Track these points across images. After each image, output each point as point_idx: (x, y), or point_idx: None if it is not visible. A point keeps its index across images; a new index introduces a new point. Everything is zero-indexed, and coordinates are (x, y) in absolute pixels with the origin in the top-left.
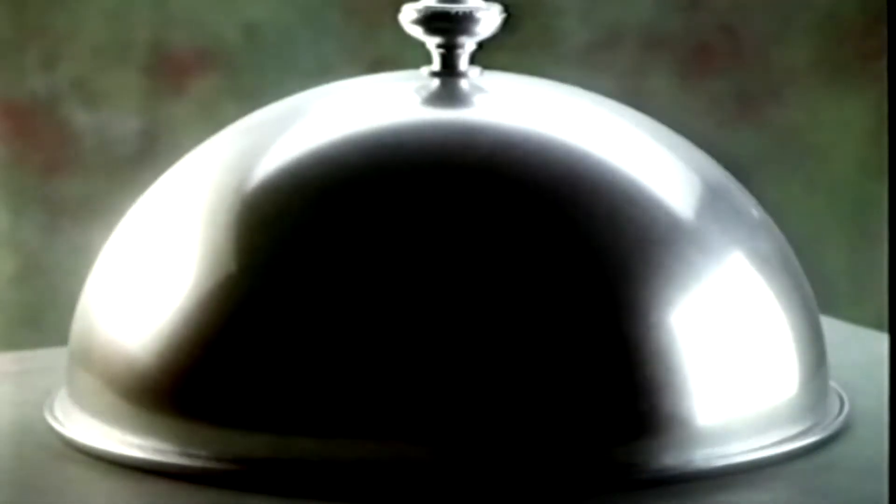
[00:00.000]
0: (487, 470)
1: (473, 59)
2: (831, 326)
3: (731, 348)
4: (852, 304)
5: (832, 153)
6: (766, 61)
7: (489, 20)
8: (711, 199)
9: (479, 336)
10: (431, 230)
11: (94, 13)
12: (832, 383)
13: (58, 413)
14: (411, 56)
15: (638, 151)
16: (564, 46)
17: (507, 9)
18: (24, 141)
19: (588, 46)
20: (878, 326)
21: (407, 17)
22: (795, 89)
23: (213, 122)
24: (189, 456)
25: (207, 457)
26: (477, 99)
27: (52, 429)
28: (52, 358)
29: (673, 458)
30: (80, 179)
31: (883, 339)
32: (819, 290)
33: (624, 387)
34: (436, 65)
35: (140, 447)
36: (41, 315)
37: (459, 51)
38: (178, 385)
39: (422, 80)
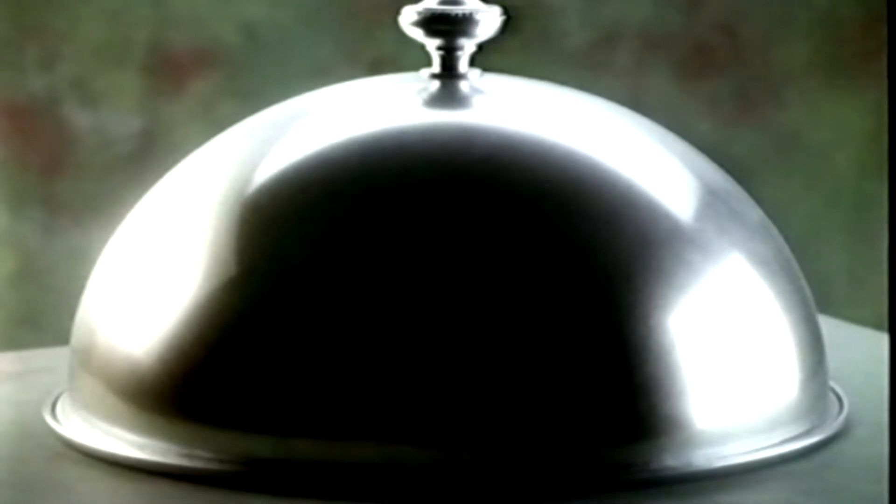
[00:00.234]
0: (488, 471)
1: (473, 61)
2: (831, 326)
3: (731, 349)
4: (852, 303)
5: (832, 153)
6: (766, 61)
7: (489, 22)
8: (710, 200)
9: (479, 338)
10: (432, 232)
11: (94, 13)
12: (832, 383)
13: (58, 413)
14: (411, 57)
15: (637, 153)
16: (564, 47)
17: (506, 10)
18: (23, 141)
19: (588, 47)
20: (877, 326)
21: (407, 19)
22: (795, 89)
23: (213, 122)
24: (190, 457)
25: (208, 457)
26: (477, 101)
27: (51, 429)
28: (52, 358)
29: (673, 459)
30: (80, 179)
31: (882, 339)
32: (818, 290)
33: (624, 388)
34: (436, 67)
35: (140, 447)
36: (40, 315)
37: (459, 53)
38: (179, 386)
39: (422, 82)
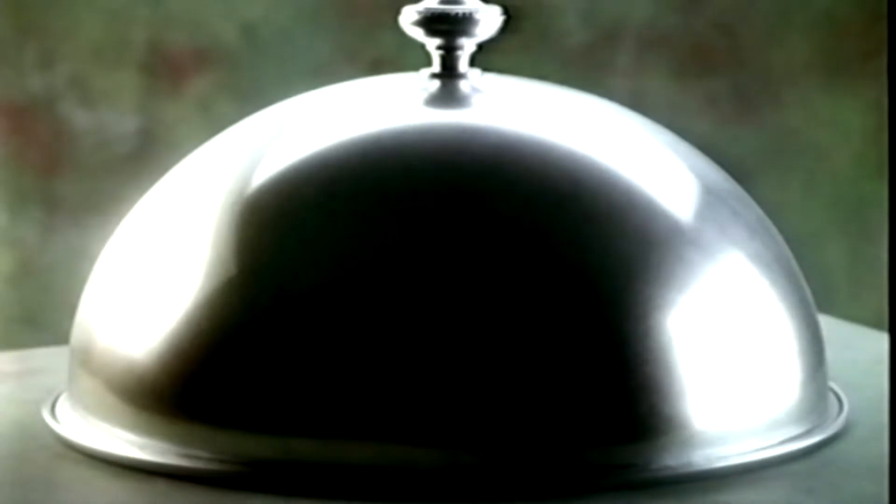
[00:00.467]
0: (487, 471)
1: (473, 61)
2: (831, 325)
3: (731, 349)
4: (851, 302)
5: (831, 152)
6: (765, 61)
7: (489, 22)
8: (710, 200)
9: (479, 339)
10: (432, 232)
11: (93, 13)
12: (831, 383)
13: (57, 413)
14: (411, 57)
15: (637, 153)
16: (564, 47)
17: (506, 10)
18: (22, 140)
19: (588, 46)
20: (877, 325)
21: (407, 19)
22: (794, 89)
23: (211, 121)
24: (189, 457)
25: (208, 457)
26: (477, 101)
27: (51, 429)
28: (51, 358)
29: (673, 459)
30: (78, 178)
31: (882, 338)
32: (818, 289)
33: (623, 388)
34: (436, 66)
35: (140, 447)
36: (39, 314)
37: (459, 52)
38: (178, 386)
39: (422, 82)
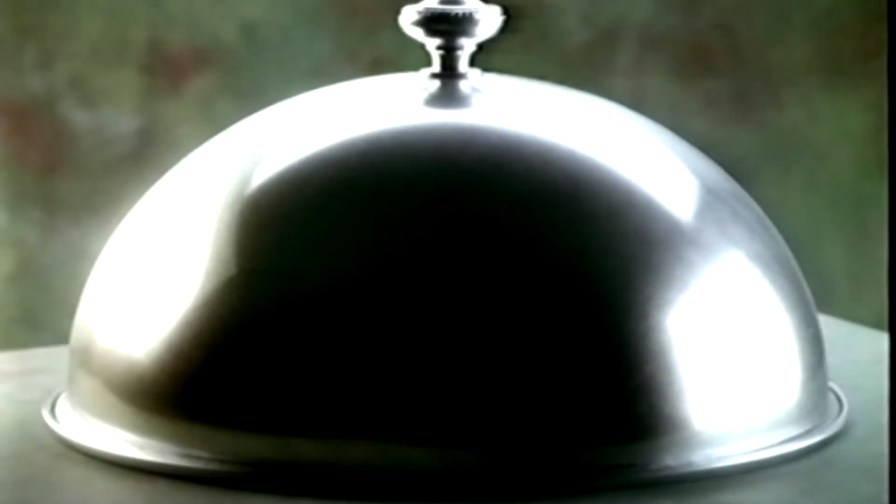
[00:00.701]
0: (488, 471)
1: (473, 61)
2: (830, 325)
3: (731, 349)
4: (851, 302)
5: (831, 152)
6: (765, 61)
7: (489, 21)
8: (710, 200)
9: (479, 339)
10: (432, 232)
11: (92, 12)
12: (831, 383)
13: (57, 413)
14: (411, 57)
15: (637, 153)
16: (564, 47)
17: (506, 10)
18: (21, 140)
19: (588, 46)
20: (877, 325)
21: (407, 19)
22: (794, 89)
23: (211, 121)
24: (189, 457)
25: (208, 458)
26: (477, 101)
27: (51, 429)
28: (51, 358)
29: (673, 459)
30: (78, 178)
31: (882, 338)
32: (818, 289)
33: (623, 388)
34: (436, 66)
35: (140, 447)
36: (38, 314)
37: (459, 52)
38: (178, 386)
39: (422, 82)
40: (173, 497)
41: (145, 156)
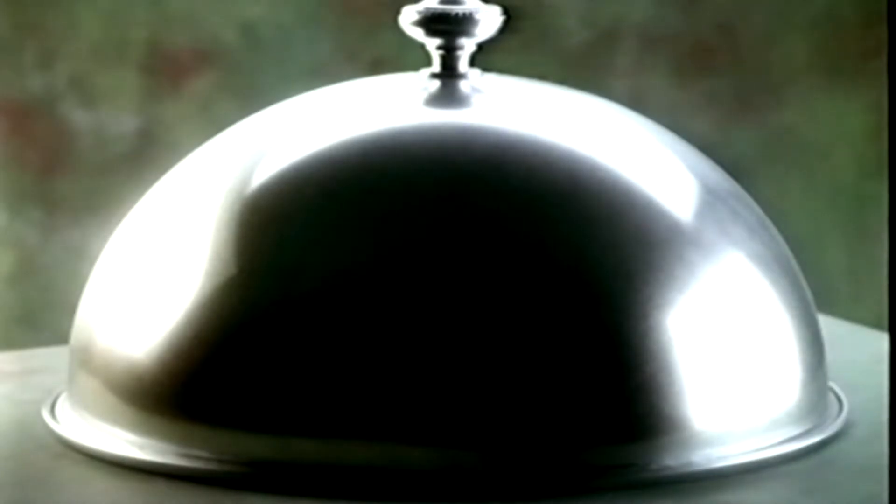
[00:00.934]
0: (488, 471)
1: (473, 61)
2: (830, 325)
3: (731, 349)
4: (851, 302)
5: (831, 152)
6: (765, 60)
7: (489, 22)
8: (710, 200)
9: (478, 339)
10: (432, 232)
11: (92, 12)
12: (831, 383)
13: (57, 413)
14: (411, 57)
15: (637, 153)
16: (564, 47)
17: (506, 10)
18: (21, 140)
19: (588, 47)
20: (877, 325)
21: (407, 19)
22: (794, 89)
23: (211, 121)
24: (189, 457)
25: (207, 457)
26: (477, 101)
27: (51, 429)
28: (51, 358)
29: (673, 459)
30: (78, 178)
31: (882, 338)
32: (818, 289)
33: (623, 388)
34: (436, 66)
35: (140, 447)
36: (38, 314)
37: (459, 52)
38: (178, 386)
39: (422, 82)
40: (173, 497)
41: (145, 156)
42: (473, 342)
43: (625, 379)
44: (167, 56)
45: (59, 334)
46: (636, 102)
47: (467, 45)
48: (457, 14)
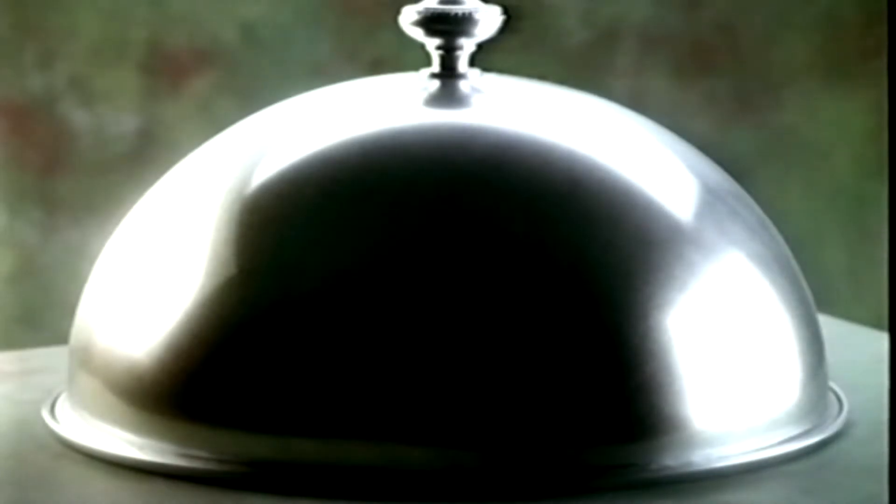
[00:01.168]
0: (488, 471)
1: (473, 61)
2: (830, 325)
3: (731, 349)
4: (851, 302)
5: (831, 152)
6: (765, 60)
7: (489, 22)
8: (710, 200)
9: (478, 339)
10: (431, 232)
11: (92, 12)
12: (831, 383)
13: (57, 413)
14: (411, 57)
15: (637, 153)
16: (564, 47)
17: (506, 10)
18: (21, 140)
19: (588, 47)
20: (877, 325)
21: (407, 19)
22: (794, 89)
23: (211, 121)
24: (189, 457)
25: (207, 457)
26: (477, 101)
27: (51, 429)
28: (51, 358)
29: (673, 459)
30: (78, 178)
31: (882, 338)
32: (818, 289)
33: (623, 388)
34: (435, 66)
35: (139, 447)
36: (38, 314)
37: (459, 52)
38: (178, 386)
39: (422, 82)
40: (173, 497)
41: (145, 156)
42: (473, 342)
43: (625, 379)
44: (167, 56)
45: (59, 334)
46: (636, 102)
47: (467, 45)
48: (456, 14)
